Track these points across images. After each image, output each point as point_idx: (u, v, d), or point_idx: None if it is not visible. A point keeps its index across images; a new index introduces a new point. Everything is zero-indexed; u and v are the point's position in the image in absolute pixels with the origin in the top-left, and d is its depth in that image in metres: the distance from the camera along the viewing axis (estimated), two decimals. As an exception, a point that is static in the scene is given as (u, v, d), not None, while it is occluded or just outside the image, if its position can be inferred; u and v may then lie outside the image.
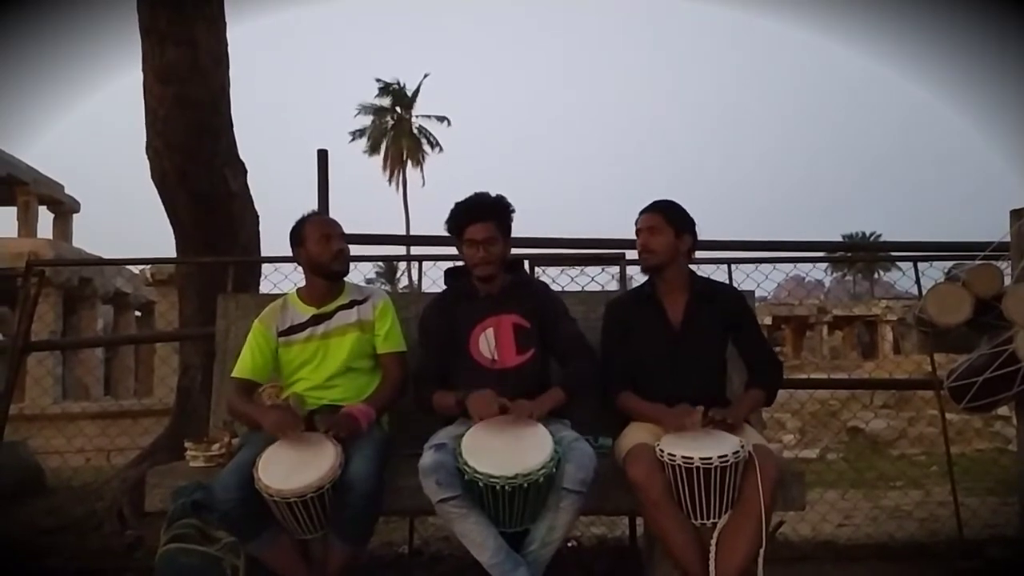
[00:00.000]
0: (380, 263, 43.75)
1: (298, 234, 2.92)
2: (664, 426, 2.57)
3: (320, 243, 2.87)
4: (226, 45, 4.69)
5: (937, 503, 5.08)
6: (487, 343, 2.79)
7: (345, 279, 3.01)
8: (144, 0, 4.37)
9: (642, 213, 2.85)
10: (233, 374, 2.91)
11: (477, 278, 2.84)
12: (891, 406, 12.30)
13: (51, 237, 20.92)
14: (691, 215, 2.86)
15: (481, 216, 2.76)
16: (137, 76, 4.55)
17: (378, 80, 45.42)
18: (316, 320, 2.89)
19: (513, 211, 2.85)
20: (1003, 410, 3.23)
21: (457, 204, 2.83)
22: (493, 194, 2.85)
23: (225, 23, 4.68)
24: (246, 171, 4.98)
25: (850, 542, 4.18)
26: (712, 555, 2.40)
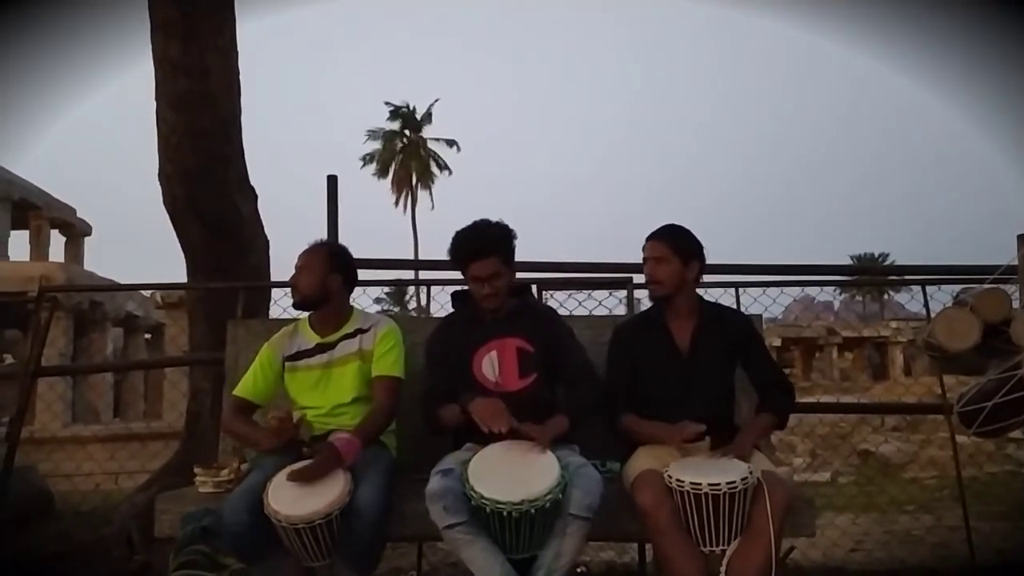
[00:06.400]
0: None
1: None
2: (667, 442, 2.56)
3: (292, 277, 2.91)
4: (238, 74, 4.75)
5: (948, 528, 5.03)
6: (491, 365, 2.79)
7: (354, 306, 3.03)
8: (157, 29, 4.43)
9: (648, 240, 2.82)
10: (233, 392, 2.92)
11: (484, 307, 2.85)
12: (902, 429, 12.20)
13: (63, 260, 21.10)
14: (698, 239, 2.83)
15: (483, 252, 2.74)
16: (150, 100, 4.61)
17: (388, 103, 45.80)
18: (320, 349, 2.89)
19: (515, 238, 2.83)
20: (1016, 433, 3.20)
21: (458, 236, 2.80)
22: (494, 220, 2.83)
23: (237, 53, 4.74)
24: (256, 197, 5.03)
25: (861, 568, 4.15)
26: (721, 582, 2.38)
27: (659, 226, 2.85)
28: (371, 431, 2.73)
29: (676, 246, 2.78)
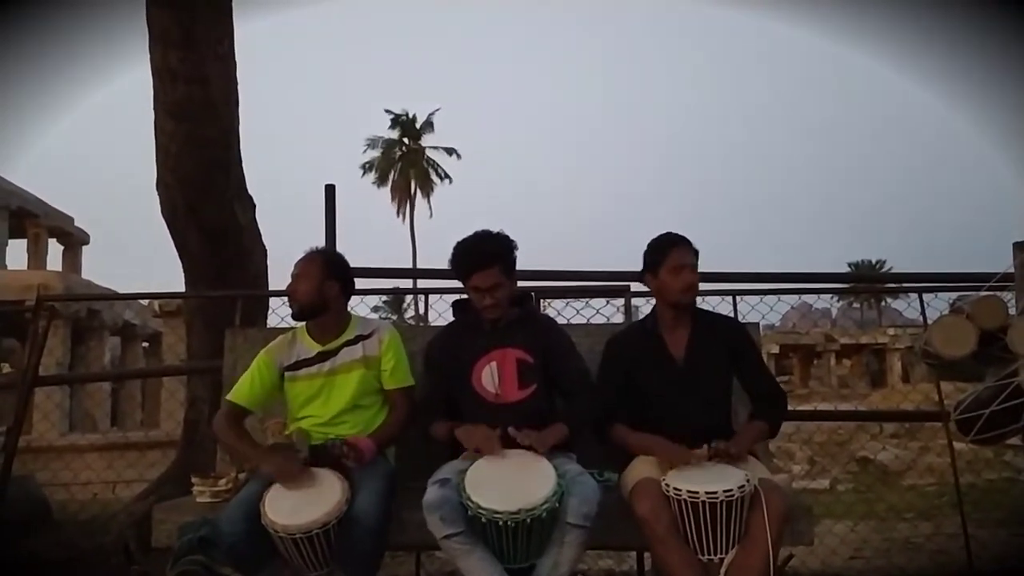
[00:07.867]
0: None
1: None
2: (660, 459, 2.56)
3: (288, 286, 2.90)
4: (236, 82, 4.76)
5: (947, 535, 5.03)
6: (491, 376, 2.79)
7: (352, 313, 3.03)
8: (156, 39, 4.43)
9: (684, 246, 2.79)
10: (227, 397, 2.90)
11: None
12: (900, 436, 12.21)
13: (60, 269, 21.09)
14: None
15: (485, 263, 2.73)
16: (147, 109, 4.62)
17: (388, 111, 45.84)
18: (322, 357, 2.87)
19: (516, 248, 2.83)
20: (1014, 439, 3.21)
21: (459, 247, 2.79)
22: (494, 231, 2.82)
23: (236, 61, 4.75)
24: (255, 205, 5.03)
25: (860, 576, 4.14)
26: (719, 591, 2.38)
27: (664, 233, 2.84)
28: (388, 437, 2.79)
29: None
